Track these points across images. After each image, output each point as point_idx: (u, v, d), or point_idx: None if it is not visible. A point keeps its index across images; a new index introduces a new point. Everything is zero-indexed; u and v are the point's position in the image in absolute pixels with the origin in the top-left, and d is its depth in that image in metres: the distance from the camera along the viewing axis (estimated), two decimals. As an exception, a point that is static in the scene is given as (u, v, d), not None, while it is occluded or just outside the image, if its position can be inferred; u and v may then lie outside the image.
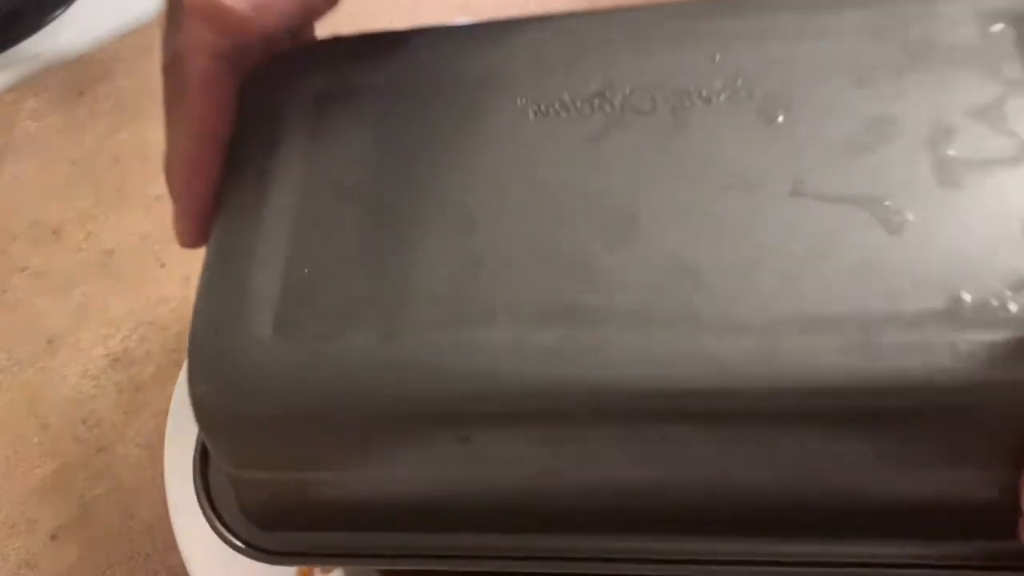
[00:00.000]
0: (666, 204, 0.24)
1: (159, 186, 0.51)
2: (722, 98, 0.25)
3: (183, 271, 0.48)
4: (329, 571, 0.34)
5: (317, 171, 0.26)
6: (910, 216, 0.22)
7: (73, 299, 0.49)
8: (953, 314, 0.21)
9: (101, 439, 0.43)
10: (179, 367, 0.41)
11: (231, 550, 0.33)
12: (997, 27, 0.25)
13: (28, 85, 0.56)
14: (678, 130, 0.25)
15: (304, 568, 0.34)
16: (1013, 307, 0.21)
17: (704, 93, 0.25)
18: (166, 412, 0.39)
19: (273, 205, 0.26)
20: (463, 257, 0.24)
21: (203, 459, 0.30)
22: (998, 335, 0.21)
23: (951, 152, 0.23)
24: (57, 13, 0.58)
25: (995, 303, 0.21)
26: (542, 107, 0.26)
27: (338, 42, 0.29)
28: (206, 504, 0.29)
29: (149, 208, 0.51)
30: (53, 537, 0.41)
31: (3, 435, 0.45)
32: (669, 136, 0.25)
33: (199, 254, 0.44)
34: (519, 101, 0.26)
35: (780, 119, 0.24)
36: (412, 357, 0.23)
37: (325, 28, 0.28)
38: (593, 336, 0.22)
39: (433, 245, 0.24)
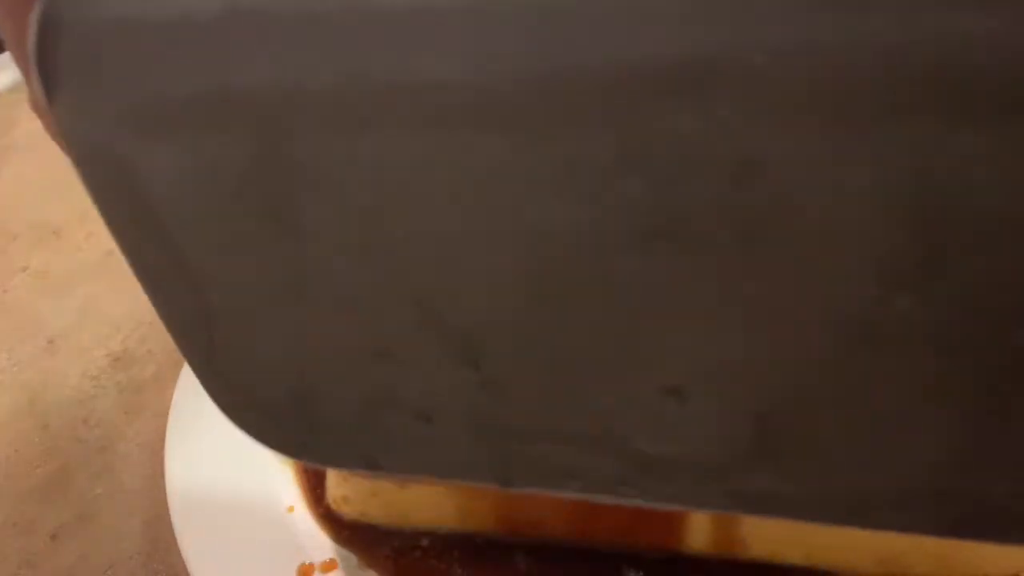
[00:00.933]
0: None
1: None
2: None
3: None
4: (331, 568, 0.35)
5: None
6: None
7: (74, 299, 0.49)
8: None
9: (102, 439, 0.43)
10: (180, 367, 0.41)
11: (230, 550, 0.34)
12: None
13: (29, 85, 0.56)
14: None
15: (304, 565, 0.34)
16: None
17: None
18: (167, 412, 0.39)
19: None
20: None
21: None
22: None
23: None
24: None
25: None
26: None
27: None
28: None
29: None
30: (53, 537, 0.41)
31: (3, 435, 0.45)
32: None
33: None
34: None
35: None
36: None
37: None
38: None
39: None
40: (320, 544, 0.35)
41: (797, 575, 0.32)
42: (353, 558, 0.35)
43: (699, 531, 0.33)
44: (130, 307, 0.48)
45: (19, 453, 0.44)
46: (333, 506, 0.36)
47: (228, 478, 0.37)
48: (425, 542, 0.35)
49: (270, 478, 0.37)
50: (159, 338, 0.43)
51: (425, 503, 0.35)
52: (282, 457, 0.36)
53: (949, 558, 0.31)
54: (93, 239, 0.51)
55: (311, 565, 0.34)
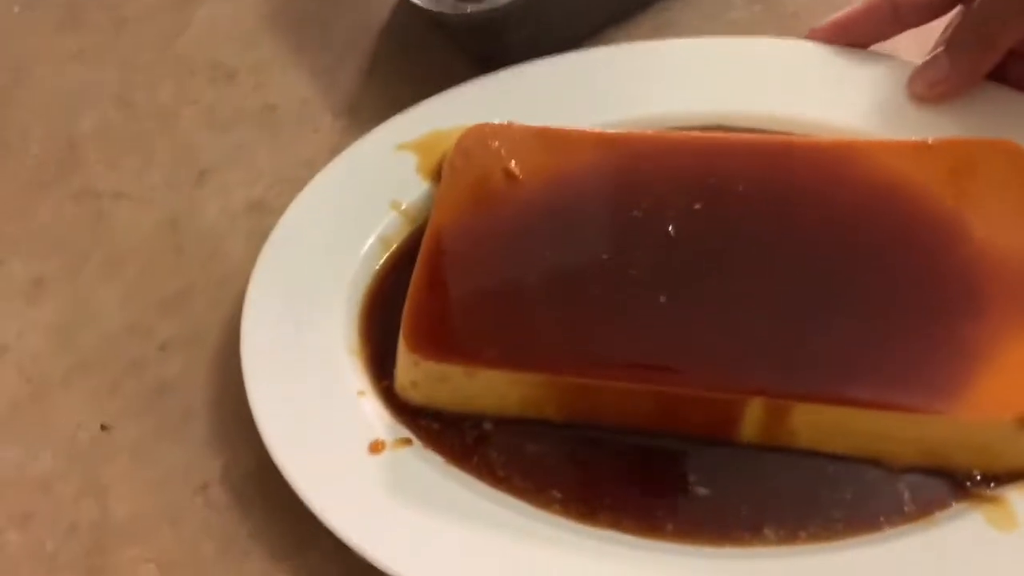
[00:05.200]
0: None
1: (332, 55, 0.53)
2: None
3: (333, 139, 0.50)
4: (402, 446, 0.37)
5: None
6: None
7: (230, 140, 0.52)
8: None
9: (224, 274, 0.47)
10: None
11: (305, 425, 0.37)
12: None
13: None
14: None
15: (375, 441, 0.37)
16: None
17: None
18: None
19: None
20: None
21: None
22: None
23: None
24: None
25: None
26: None
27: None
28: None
29: (317, 75, 0.54)
30: (163, 347, 0.45)
31: (144, 249, 0.49)
32: None
33: (358, 124, 0.46)
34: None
35: None
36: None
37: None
38: None
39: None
40: (388, 425, 0.38)
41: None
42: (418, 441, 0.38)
43: (752, 422, 0.35)
44: (277, 161, 0.51)
45: (153, 267, 0.48)
46: (401, 392, 0.39)
47: (301, 361, 0.40)
48: (488, 426, 0.38)
49: (340, 365, 0.40)
50: (294, 195, 0.46)
51: (490, 391, 0.37)
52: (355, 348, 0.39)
53: (988, 449, 0.33)
54: (261, 90, 0.54)
55: (382, 442, 0.37)
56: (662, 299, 0.37)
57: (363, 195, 0.45)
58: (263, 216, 0.48)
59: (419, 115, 0.47)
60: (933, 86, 0.42)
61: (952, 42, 0.42)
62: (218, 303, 0.46)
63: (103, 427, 0.43)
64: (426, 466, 0.37)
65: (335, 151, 0.47)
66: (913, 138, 0.40)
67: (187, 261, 0.48)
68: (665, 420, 0.36)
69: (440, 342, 0.37)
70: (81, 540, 0.39)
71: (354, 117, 0.52)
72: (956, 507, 0.33)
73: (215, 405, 0.43)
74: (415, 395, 0.38)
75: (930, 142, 0.40)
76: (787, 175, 0.40)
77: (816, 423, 0.35)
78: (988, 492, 0.33)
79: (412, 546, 0.34)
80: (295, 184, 0.46)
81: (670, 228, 0.39)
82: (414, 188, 0.45)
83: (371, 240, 0.44)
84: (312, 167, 0.47)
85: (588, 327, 0.37)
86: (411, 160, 0.46)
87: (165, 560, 0.38)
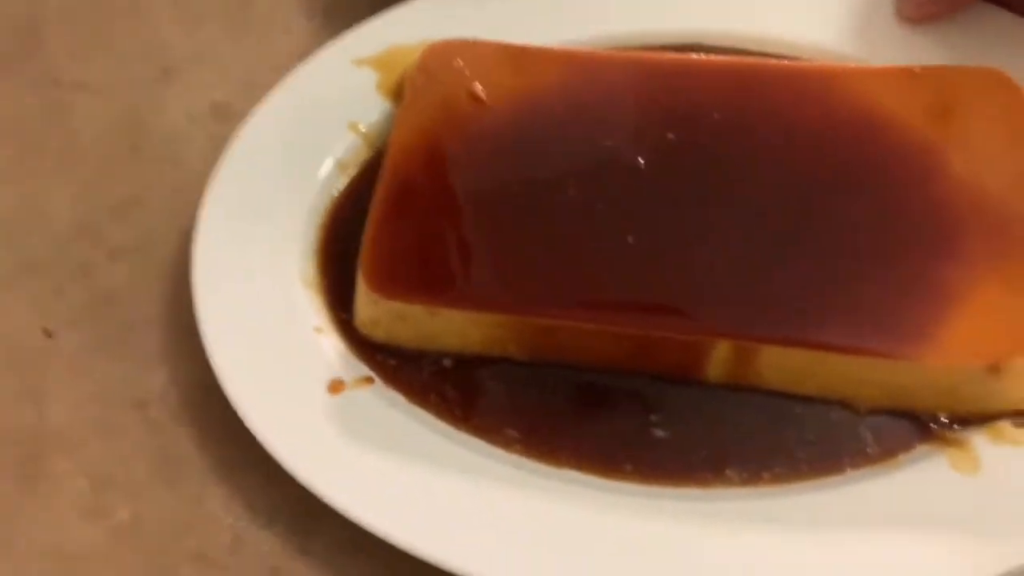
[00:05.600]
0: None
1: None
2: None
3: (305, 41, 0.47)
4: (363, 385, 0.36)
5: None
6: None
7: (199, 37, 0.49)
8: None
9: (181, 180, 0.44)
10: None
11: (261, 362, 0.36)
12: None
13: None
14: None
15: (335, 380, 0.36)
16: None
17: None
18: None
19: None
20: None
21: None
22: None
23: None
24: None
25: None
26: None
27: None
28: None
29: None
30: (112, 255, 0.43)
31: (101, 147, 0.46)
32: None
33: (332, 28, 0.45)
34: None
35: None
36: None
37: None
38: None
39: None
40: (348, 363, 0.37)
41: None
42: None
43: (719, 363, 0.34)
44: (244, 63, 0.48)
45: (109, 167, 0.46)
46: (361, 328, 0.37)
47: (255, 294, 0.38)
48: (448, 363, 0.37)
49: (296, 299, 0.38)
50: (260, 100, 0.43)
51: (452, 330, 0.36)
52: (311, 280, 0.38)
53: (956, 393, 0.33)
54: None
55: (341, 381, 0.36)
56: (629, 238, 0.35)
57: (319, 115, 0.42)
58: (226, 121, 0.45)
59: (379, 28, 0.44)
60: (921, 6, 0.40)
61: None
62: (172, 212, 0.43)
63: (45, 332, 0.41)
64: (385, 405, 0.36)
65: (305, 55, 0.44)
66: (899, 64, 0.38)
67: (144, 163, 0.46)
68: (631, 360, 0.35)
69: (400, 280, 0.36)
70: (16, 446, 0.38)
71: (328, 20, 0.48)
72: (920, 449, 0.33)
73: (162, 320, 0.41)
74: (375, 332, 0.37)
75: (916, 69, 0.38)
76: (764, 102, 0.38)
77: (782, 365, 0.34)
78: (953, 435, 0.33)
79: (364, 484, 0.33)
80: (262, 90, 0.43)
81: (640, 160, 0.37)
82: (374, 108, 0.43)
83: (328, 164, 0.42)
84: (280, 72, 0.44)
85: (553, 265, 0.35)
86: (370, 77, 0.43)
87: (97, 475, 0.37)
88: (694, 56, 0.40)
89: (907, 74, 0.38)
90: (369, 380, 0.36)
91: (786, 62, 0.40)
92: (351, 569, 0.34)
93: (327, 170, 0.42)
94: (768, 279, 0.34)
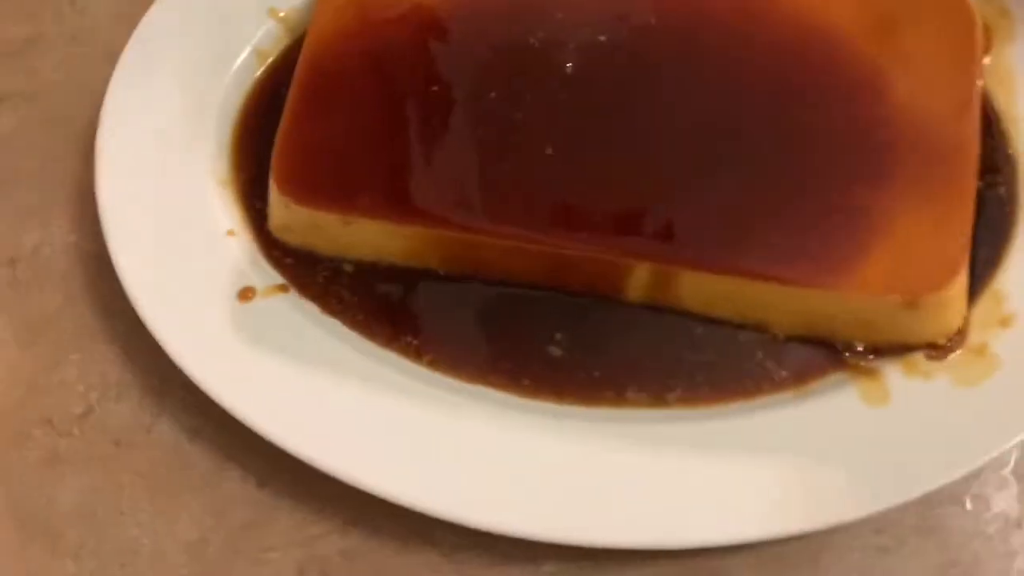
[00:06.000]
0: None
1: None
2: None
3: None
4: (275, 293, 0.35)
5: None
6: None
7: None
8: None
9: (82, 27, 0.42)
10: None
11: (167, 270, 0.34)
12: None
13: None
14: None
15: (245, 288, 0.35)
16: None
17: None
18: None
19: None
20: None
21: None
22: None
23: None
24: None
25: None
26: None
27: None
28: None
29: None
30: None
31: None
32: None
33: None
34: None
35: None
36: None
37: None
38: None
39: None
40: (262, 270, 0.35)
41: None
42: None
43: (638, 284, 0.34)
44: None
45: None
46: (275, 232, 0.36)
47: (164, 188, 0.36)
48: (364, 272, 0.35)
49: (208, 197, 0.36)
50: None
51: (368, 240, 0.35)
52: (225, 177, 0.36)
53: (873, 324, 0.33)
54: None
55: (252, 288, 0.35)
56: (548, 150, 0.34)
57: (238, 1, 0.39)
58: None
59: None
60: None
61: None
62: (68, 62, 0.41)
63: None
64: (293, 312, 0.35)
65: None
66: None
67: (43, 1, 0.43)
68: (550, 277, 0.34)
69: (313, 185, 0.34)
70: None
71: None
72: (833, 377, 0.33)
73: (44, 175, 0.39)
74: (290, 238, 0.36)
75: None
76: (702, 8, 0.36)
77: (701, 290, 0.33)
78: (867, 364, 0.33)
79: (250, 383, 0.32)
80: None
81: (568, 65, 0.35)
82: None
83: (245, 52, 0.39)
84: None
85: (470, 177, 0.34)
86: (294, -44, 0.40)
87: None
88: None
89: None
90: (283, 288, 0.35)
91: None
92: (192, 455, 0.33)
93: (244, 59, 0.39)
94: (690, 200, 0.33)
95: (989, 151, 0.35)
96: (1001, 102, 0.36)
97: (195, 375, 0.32)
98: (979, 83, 0.34)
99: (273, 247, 0.36)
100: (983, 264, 0.33)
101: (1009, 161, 0.35)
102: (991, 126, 0.35)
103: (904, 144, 0.33)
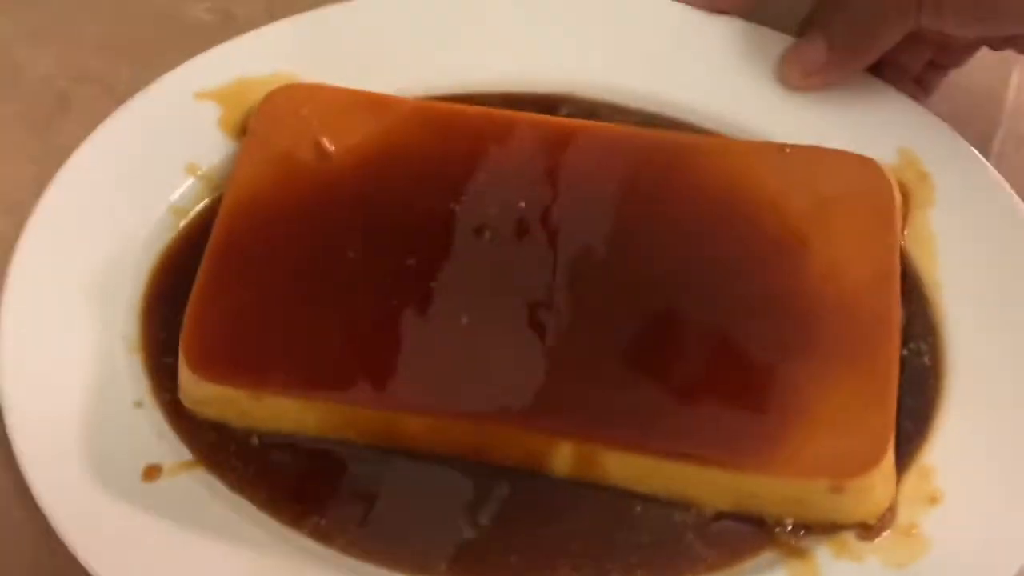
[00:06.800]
0: None
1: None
2: None
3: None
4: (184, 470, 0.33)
5: None
6: None
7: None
8: None
9: None
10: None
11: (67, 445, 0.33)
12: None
13: None
14: None
15: (150, 466, 0.33)
16: None
17: None
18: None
19: None
20: None
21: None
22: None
23: None
24: None
25: None
26: None
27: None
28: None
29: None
30: None
31: None
32: None
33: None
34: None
35: None
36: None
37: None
38: None
39: None
40: (170, 444, 0.34)
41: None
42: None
43: (562, 460, 0.32)
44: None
45: None
46: (187, 405, 0.34)
47: (69, 355, 0.35)
48: (256, 441, 0.34)
49: (115, 365, 0.35)
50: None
51: (282, 416, 0.33)
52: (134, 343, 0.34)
53: (801, 503, 0.32)
54: None
55: (157, 467, 0.33)
56: (464, 320, 0.33)
57: (153, 153, 0.39)
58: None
59: (227, 54, 0.40)
60: (808, 76, 0.38)
61: (830, 30, 0.37)
62: None
63: None
64: (203, 492, 0.33)
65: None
66: (773, 134, 0.37)
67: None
68: (472, 452, 0.33)
69: (222, 360, 0.33)
70: None
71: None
72: (764, 556, 0.32)
73: None
74: (203, 411, 0.34)
75: (785, 148, 0.36)
76: (625, 172, 0.36)
77: (626, 467, 0.32)
78: (797, 542, 0.32)
79: None
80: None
81: (487, 232, 0.35)
82: (216, 148, 0.39)
83: (161, 210, 0.38)
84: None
85: (385, 350, 0.33)
86: (213, 112, 0.39)
87: None
88: (557, 119, 0.38)
89: (776, 151, 0.36)
90: (193, 464, 0.33)
91: (651, 131, 0.38)
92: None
93: (159, 216, 0.38)
94: (610, 377, 0.32)
95: (911, 318, 0.35)
96: (923, 266, 0.36)
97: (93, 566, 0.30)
98: (898, 251, 0.34)
99: (183, 418, 0.34)
100: (909, 437, 0.33)
101: (932, 330, 0.35)
102: (913, 292, 0.35)
103: (825, 315, 0.33)
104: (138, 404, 0.34)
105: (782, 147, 0.36)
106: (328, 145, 0.36)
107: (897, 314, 0.33)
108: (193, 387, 0.34)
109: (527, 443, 0.32)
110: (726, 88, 0.39)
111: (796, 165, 0.35)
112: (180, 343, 0.33)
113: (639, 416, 0.32)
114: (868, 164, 0.35)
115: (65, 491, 0.32)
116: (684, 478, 0.32)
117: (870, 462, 0.31)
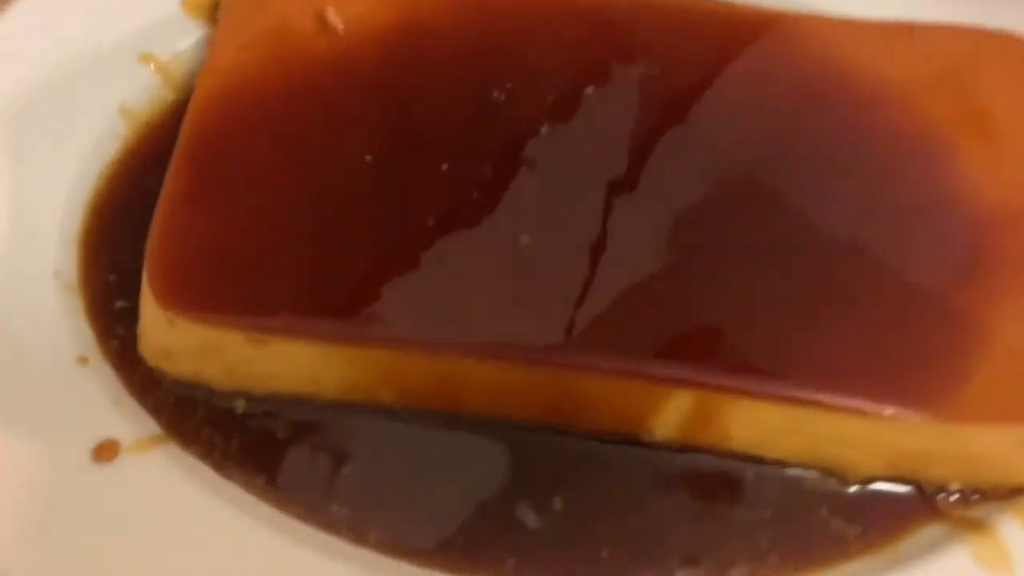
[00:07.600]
0: None
1: None
2: None
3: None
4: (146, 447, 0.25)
5: None
6: None
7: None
8: None
9: None
10: None
11: None
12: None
13: None
14: None
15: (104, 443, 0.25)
16: None
17: None
18: None
19: None
20: None
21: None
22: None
23: None
24: None
25: None
26: None
27: None
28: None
29: None
30: None
31: None
32: None
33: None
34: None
35: None
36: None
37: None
38: None
39: None
40: (129, 413, 0.25)
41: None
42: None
43: (670, 418, 0.25)
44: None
45: None
46: (149, 359, 0.25)
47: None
48: (243, 405, 0.26)
49: (50, 310, 0.26)
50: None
51: (293, 368, 0.25)
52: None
53: (980, 462, 0.25)
54: None
55: (114, 442, 0.24)
56: (524, 239, 0.25)
57: (99, 40, 0.30)
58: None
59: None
60: None
61: None
62: None
63: None
64: (175, 476, 0.24)
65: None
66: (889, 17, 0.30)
67: None
68: (548, 412, 0.26)
69: (208, 292, 0.24)
70: None
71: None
72: (927, 531, 0.25)
73: None
74: (171, 367, 0.26)
75: (915, 27, 0.29)
76: (709, 57, 0.29)
77: (755, 424, 0.25)
78: (969, 512, 0.25)
79: None
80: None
81: (543, 128, 0.27)
82: (177, 34, 0.31)
83: (109, 112, 0.30)
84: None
85: (431, 277, 0.25)
86: (175, -9, 0.31)
87: None
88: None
89: (903, 32, 0.29)
90: (161, 438, 0.25)
91: (738, 5, 0.30)
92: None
93: (106, 119, 0.30)
94: (743, 307, 0.25)
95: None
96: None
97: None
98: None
99: (145, 379, 0.26)
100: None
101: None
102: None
103: (994, 227, 0.26)
104: (82, 360, 0.26)
105: (911, 27, 0.29)
106: (334, 18, 0.28)
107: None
108: (162, 333, 0.25)
109: (629, 396, 0.25)
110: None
111: (930, 46, 0.29)
112: (145, 270, 0.25)
113: (779, 359, 0.24)
114: (1017, 44, 0.28)
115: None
116: (827, 435, 0.25)
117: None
